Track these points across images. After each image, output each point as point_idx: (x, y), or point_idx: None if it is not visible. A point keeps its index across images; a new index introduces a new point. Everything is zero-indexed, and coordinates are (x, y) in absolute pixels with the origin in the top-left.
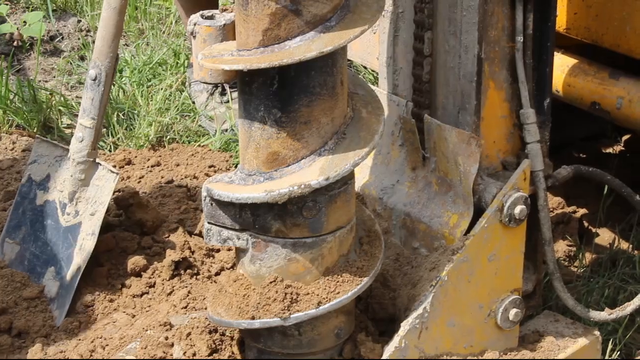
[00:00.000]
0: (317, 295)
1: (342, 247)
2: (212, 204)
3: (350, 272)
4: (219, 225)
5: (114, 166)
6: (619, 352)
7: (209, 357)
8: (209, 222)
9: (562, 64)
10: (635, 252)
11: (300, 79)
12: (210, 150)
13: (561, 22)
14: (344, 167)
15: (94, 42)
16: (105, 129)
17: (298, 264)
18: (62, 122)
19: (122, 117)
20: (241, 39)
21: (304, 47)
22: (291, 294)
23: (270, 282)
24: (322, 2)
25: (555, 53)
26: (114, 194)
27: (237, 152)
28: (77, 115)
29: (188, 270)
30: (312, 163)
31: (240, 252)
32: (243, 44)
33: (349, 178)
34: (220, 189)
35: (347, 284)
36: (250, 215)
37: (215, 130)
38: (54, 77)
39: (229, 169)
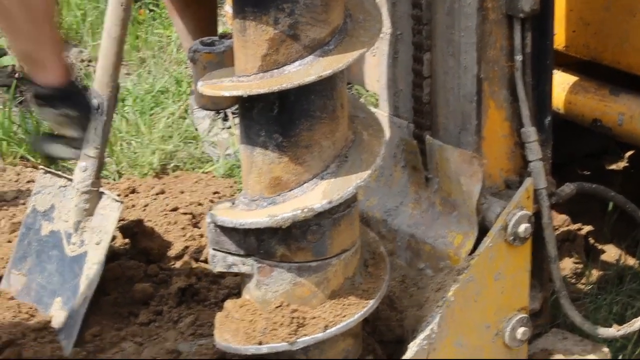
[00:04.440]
0: (324, 319)
1: (347, 270)
2: (216, 230)
3: (356, 295)
4: (223, 252)
5: (118, 195)
6: None
7: None
8: (213, 249)
9: (562, 81)
10: None
11: (300, 103)
12: (214, 176)
13: (560, 40)
14: (346, 189)
15: (95, 72)
16: (108, 158)
17: (304, 288)
18: None
19: (126, 145)
20: (240, 64)
21: (303, 71)
22: (298, 318)
23: (277, 307)
24: (319, 27)
25: (555, 71)
26: (118, 222)
27: (241, 178)
28: None
29: (195, 297)
30: (315, 187)
31: (245, 277)
32: (242, 69)
33: (352, 201)
34: (224, 215)
35: (354, 307)
36: (254, 241)
37: (219, 157)
38: None
39: (233, 195)
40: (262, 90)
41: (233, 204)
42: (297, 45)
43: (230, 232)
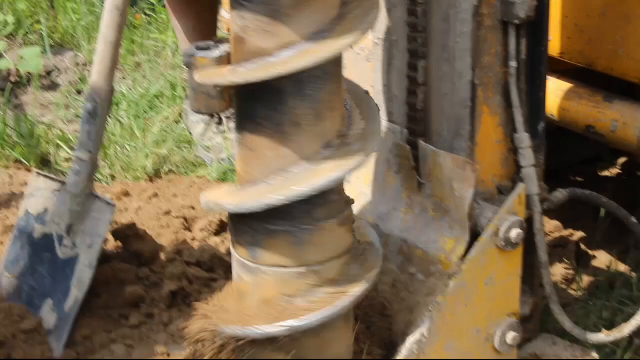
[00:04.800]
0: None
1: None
2: None
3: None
4: None
5: (111, 198)
6: None
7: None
8: None
9: (556, 88)
10: (633, 274)
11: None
12: (208, 180)
13: (555, 46)
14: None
15: (90, 75)
16: (102, 162)
17: None
18: (59, 155)
19: (120, 149)
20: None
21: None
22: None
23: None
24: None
25: (550, 78)
26: (111, 225)
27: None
28: (74, 149)
29: (186, 301)
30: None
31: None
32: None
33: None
34: None
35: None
36: None
37: (213, 161)
38: (52, 111)
39: None
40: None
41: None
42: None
43: None
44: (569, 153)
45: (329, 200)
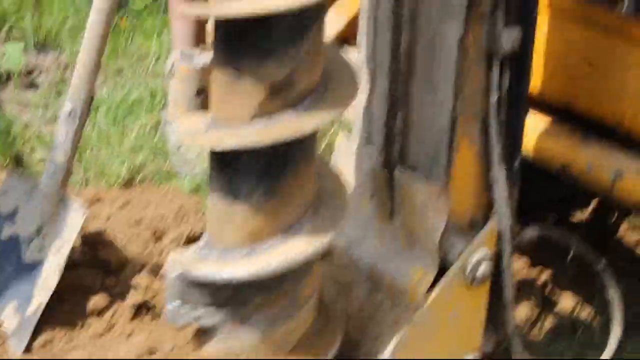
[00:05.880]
0: None
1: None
2: (183, 283)
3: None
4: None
5: (83, 203)
6: None
7: None
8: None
9: (535, 125)
10: (597, 318)
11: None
12: (180, 192)
13: (536, 83)
14: None
15: (71, 77)
16: (77, 165)
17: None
18: (34, 156)
19: (95, 154)
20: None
21: None
22: None
23: None
24: None
25: (529, 114)
26: (81, 231)
27: (207, 195)
28: (50, 150)
29: (149, 313)
30: None
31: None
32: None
33: None
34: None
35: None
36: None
37: (187, 173)
38: (30, 110)
39: (197, 213)
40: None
41: (197, 253)
42: None
43: (203, 285)
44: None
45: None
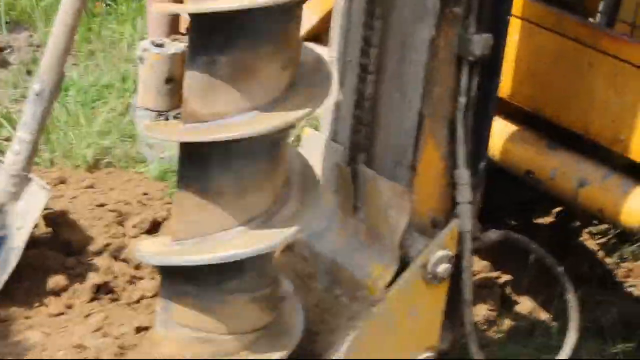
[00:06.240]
0: None
1: None
2: None
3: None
4: None
5: (48, 183)
6: None
7: None
8: None
9: (502, 129)
10: (554, 323)
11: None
12: (146, 177)
13: (505, 88)
14: None
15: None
16: (43, 145)
17: None
18: (1, 133)
19: (62, 135)
20: None
21: None
22: None
23: None
24: None
25: (497, 118)
26: (44, 211)
27: (173, 182)
28: (16, 129)
29: (109, 295)
30: None
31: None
32: None
33: None
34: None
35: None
36: None
37: (154, 158)
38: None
39: (162, 199)
40: None
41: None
42: None
43: None
44: (506, 194)
45: (243, 275)
